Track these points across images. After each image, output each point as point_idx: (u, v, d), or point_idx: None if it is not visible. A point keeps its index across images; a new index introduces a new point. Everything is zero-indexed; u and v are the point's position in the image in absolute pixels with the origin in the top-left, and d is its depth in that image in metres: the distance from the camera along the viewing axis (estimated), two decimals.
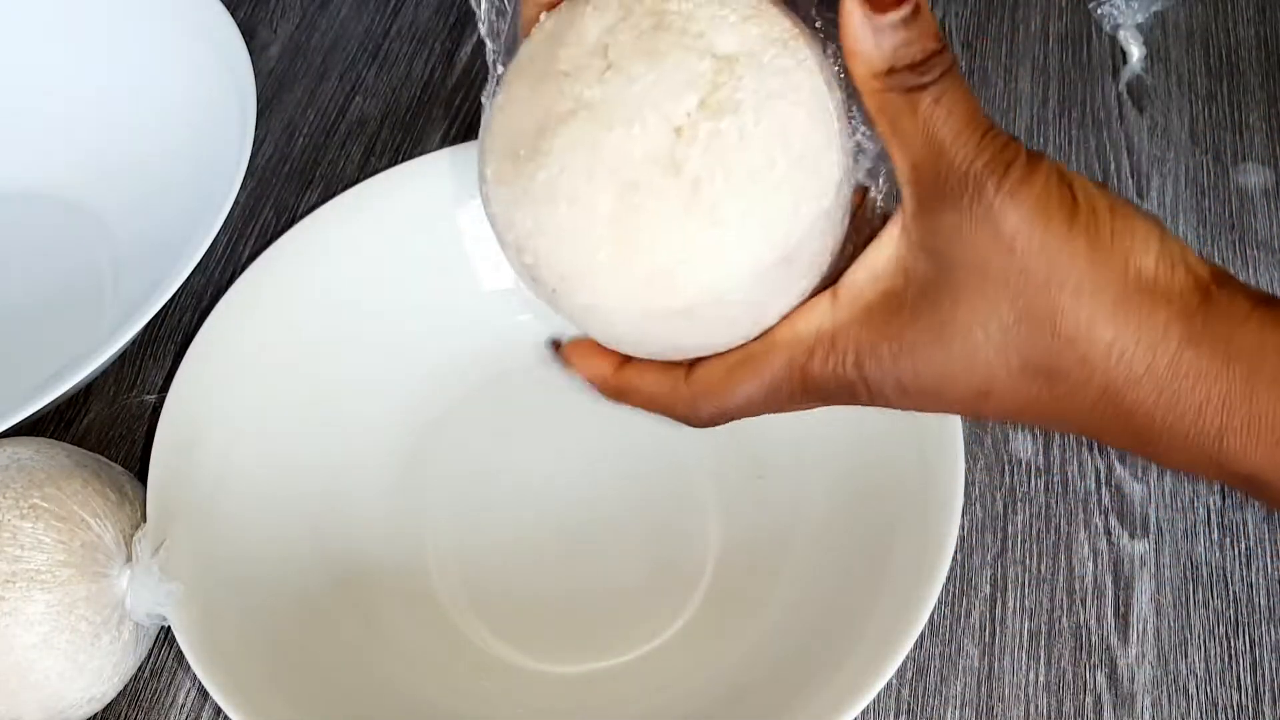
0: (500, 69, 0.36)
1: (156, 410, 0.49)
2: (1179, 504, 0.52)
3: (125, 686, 0.48)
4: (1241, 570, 0.50)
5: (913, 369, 0.33)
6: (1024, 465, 0.53)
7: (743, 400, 0.35)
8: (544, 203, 0.32)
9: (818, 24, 0.34)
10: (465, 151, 0.55)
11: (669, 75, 0.31)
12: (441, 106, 0.66)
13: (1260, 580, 0.50)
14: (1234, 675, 0.48)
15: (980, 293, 0.31)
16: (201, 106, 0.58)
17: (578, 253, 0.32)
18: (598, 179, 0.31)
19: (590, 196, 0.32)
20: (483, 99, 0.36)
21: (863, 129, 0.34)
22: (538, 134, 0.32)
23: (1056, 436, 0.53)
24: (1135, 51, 0.66)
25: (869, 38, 0.30)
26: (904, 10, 0.30)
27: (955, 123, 0.30)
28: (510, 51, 0.36)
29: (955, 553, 0.43)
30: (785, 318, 0.34)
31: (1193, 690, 0.47)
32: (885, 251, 0.33)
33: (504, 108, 0.34)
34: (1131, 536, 0.51)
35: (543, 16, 0.35)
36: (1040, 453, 0.53)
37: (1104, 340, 0.31)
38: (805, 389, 0.34)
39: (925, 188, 0.31)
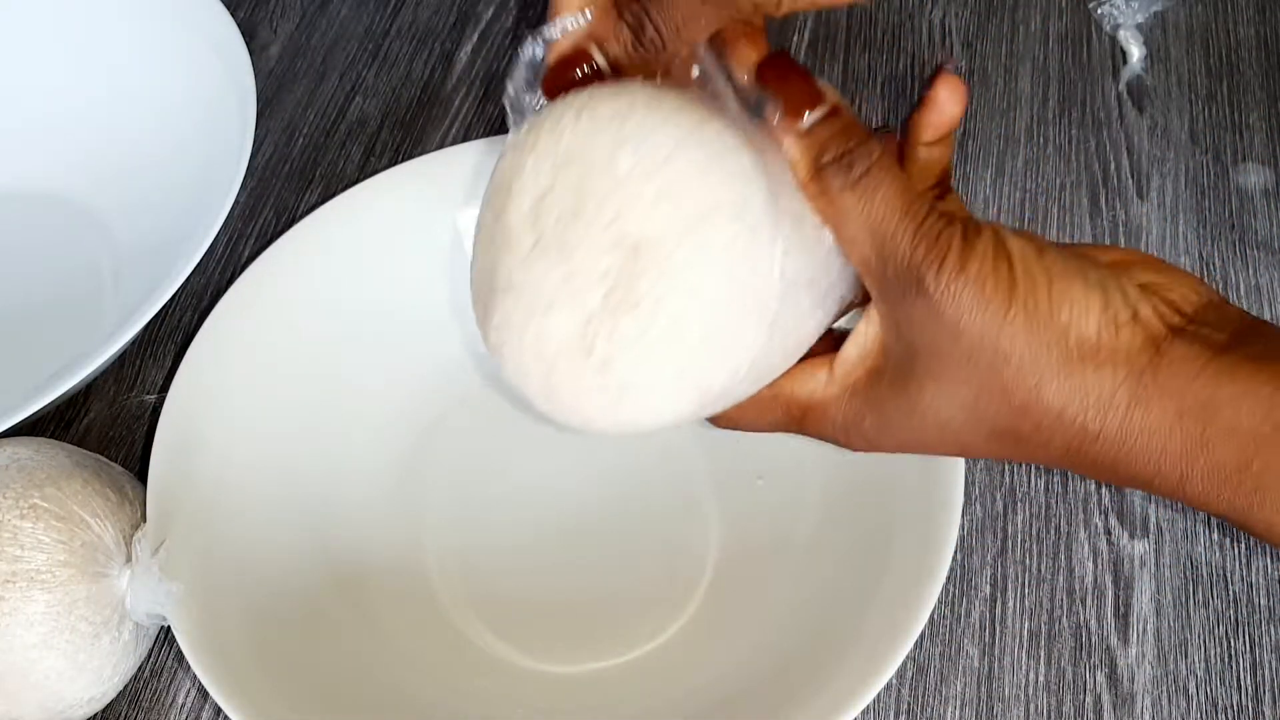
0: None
1: (156, 410, 0.49)
2: (1179, 504, 0.52)
3: (125, 686, 0.48)
4: (1241, 570, 0.50)
5: (893, 438, 0.35)
6: (1024, 465, 0.53)
7: (749, 426, 0.38)
8: (494, 354, 0.36)
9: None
10: (465, 152, 0.55)
11: (580, 268, 0.34)
12: (441, 106, 0.66)
13: (1260, 580, 0.50)
14: (1234, 675, 0.48)
15: (940, 376, 0.33)
16: (201, 106, 0.58)
17: (527, 396, 0.36)
18: (525, 358, 0.35)
19: (521, 372, 0.36)
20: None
21: None
22: (487, 296, 0.36)
23: None
24: (1135, 51, 0.66)
25: (793, 145, 0.33)
26: (819, 111, 0.33)
27: (892, 217, 0.32)
28: None
29: (955, 553, 0.43)
30: (788, 372, 0.36)
31: (1193, 690, 0.47)
32: (872, 329, 0.35)
33: (477, 237, 0.37)
34: (1131, 536, 0.51)
35: (514, 134, 0.36)
36: None
37: (1053, 409, 0.32)
38: (803, 433, 0.37)
39: (877, 281, 0.33)
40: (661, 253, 0.33)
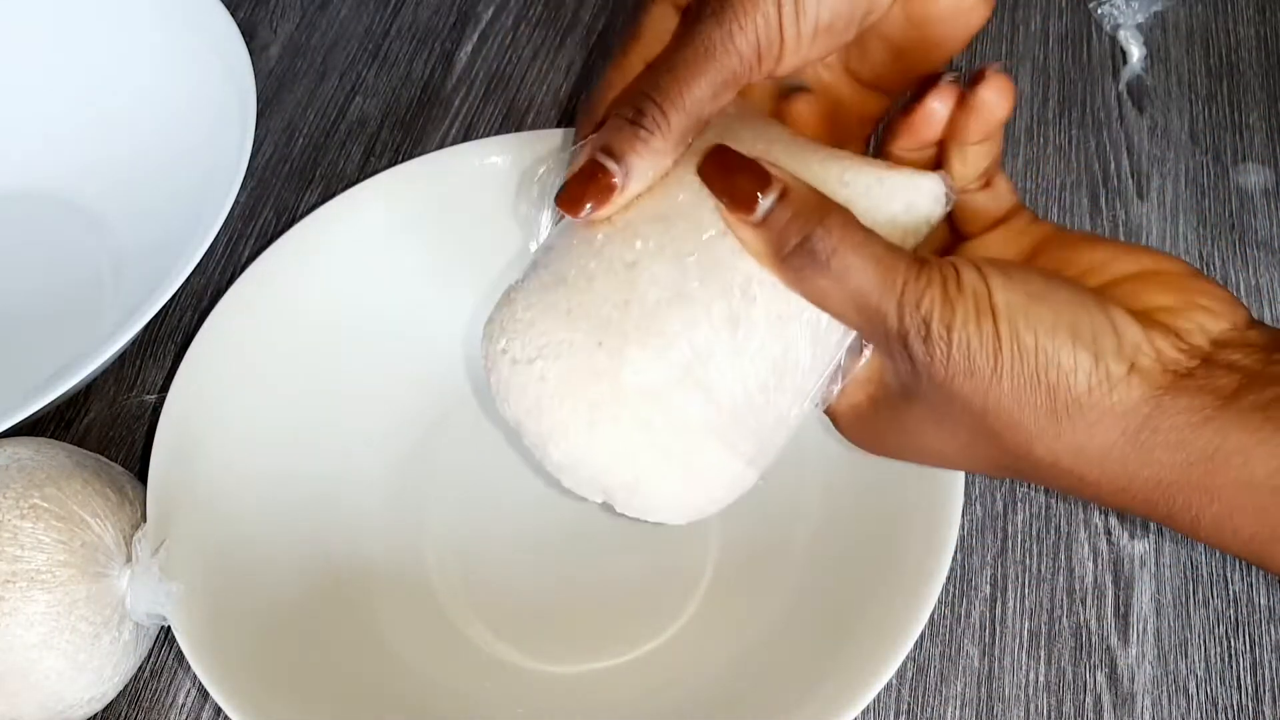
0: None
1: (156, 410, 0.49)
2: None
3: (125, 686, 0.48)
4: (1241, 570, 0.50)
5: (896, 455, 0.36)
6: None
7: None
8: None
9: None
10: (465, 151, 0.55)
11: (578, 482, 0.37)
12: (441, 106, 0.66)
13: (1260, 580, 0.50)
14: (1234, 675, 0.48)
15: (937, 422, 0.33)
16: (201, 107, 0.58)
17: None
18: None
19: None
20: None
21: None
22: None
23: None
24: (1135, 51, 0.66)
25: (751, 238, 0.33)
26: (769, 198, 0.32)
27: (872, 292, 0.32)
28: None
29: (955, 553, 0.43)
30: None
31: (1193, 690, 0.47)
32: (875, 358, 0.35)
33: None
34: (1131, 536, 0.51)
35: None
36: None
37: (1047, 461, 0.32)
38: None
39: (871, 341, 0.34)
40: (616, 478, 0.35)
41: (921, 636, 0.42)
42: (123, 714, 0.49)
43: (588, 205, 0.34)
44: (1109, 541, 0.51)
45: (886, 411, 0.35)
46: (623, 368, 0.33)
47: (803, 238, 0.32)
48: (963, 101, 0.34)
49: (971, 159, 0.35)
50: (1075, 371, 0.31)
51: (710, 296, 0.33)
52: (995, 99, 0.34)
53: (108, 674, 0.45)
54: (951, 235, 0.38)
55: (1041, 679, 0.48)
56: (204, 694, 0.49)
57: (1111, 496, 0.32)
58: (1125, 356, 0.31)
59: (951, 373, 0.31)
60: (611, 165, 0.34)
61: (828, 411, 0.37)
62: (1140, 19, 0.67)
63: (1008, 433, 0.32)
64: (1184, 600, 0.49)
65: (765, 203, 0.32)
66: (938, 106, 0.35)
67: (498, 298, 0.37)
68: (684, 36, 0.34)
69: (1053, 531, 0.51)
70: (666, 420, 0.34)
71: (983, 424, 0.32)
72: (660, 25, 0.36)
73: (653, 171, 0.34)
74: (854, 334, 0.35)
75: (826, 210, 0.32)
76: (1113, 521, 0.51)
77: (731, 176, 0.33)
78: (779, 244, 0.32)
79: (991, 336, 0.31)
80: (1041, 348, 0.31)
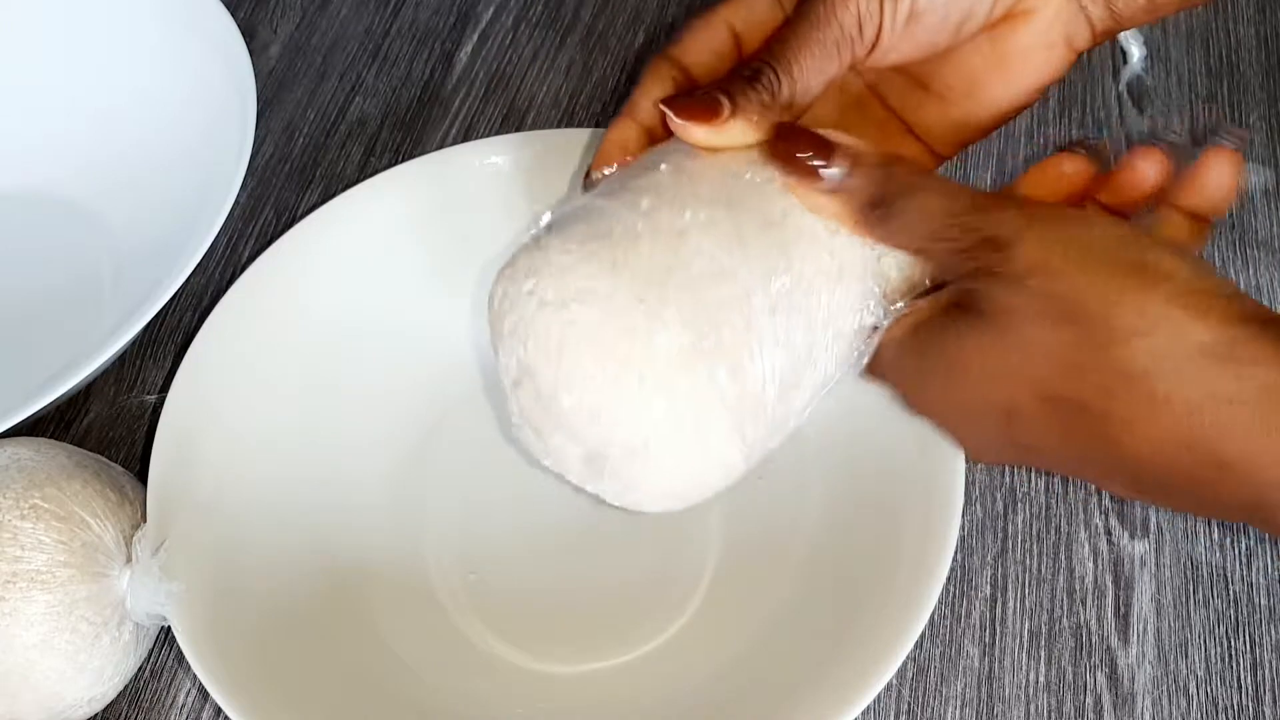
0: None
1: (156, 410, 0.49)
2: None
3: (125, 686, 0.48)
4: (1241, 570, 0.50)
5: (936, 400, 0.37)
6: (1024, 465, 0.53)
7: None
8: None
9: None
10: (465, 151, 0.55)
11: (555, 451, 0.38)
12: (441, 106, 0.66)
13: (1260, 580, 0.50)
14: (1234, 675, 0.48)
15: (995, 340, 0.34)
16: (201, 107, 0.58)
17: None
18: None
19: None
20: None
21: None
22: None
23: None
24: (1135, 51, 0.66)
25: (826, 205, 0.35)
26: (840, 167, 0.34)
27: (935, 211, 0.33)
28: None
29: (955, 553, 0.43)
30: None
31: (1193, 690, 0.47)
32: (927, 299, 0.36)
33: None
34: (1131, 536, 0.51)
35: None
36: None
37: (1121, 364, 0.31)
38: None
39: (943, 268, 0.35)
40: (613, 451, 0.35)
41: (921, 636, 0.42)
42: (123, 714, 0.49)
43: (689, 120, 0.36)
44: (1109, 541, 0.51)
45: (935, 342, 0.35)
46: (662, 329, 0.33)
47: (875, 193, 0.34)
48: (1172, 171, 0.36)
49: (1172, 228, 0.37)
50: (1174, 277, 0.31)
51: (755, 280, 0.34)
52: (1217, 180, 0.36)
53: (108, 674, 0.45)
54: None
55: (1041, 679, 0.48)
56: (204, 694, 0.49)
57: (1176, 425, 0.31)
58: (1227, 284, 0.32)
59: (1024, 272, 0.32)
60: (723, 99, 0.36)
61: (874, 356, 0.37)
62: None
63: (1083, 329, 0.31)
64: (1184, 600, 0.49)
65: (835, 172, 0.34)
66: (1145, 168, 0.37)
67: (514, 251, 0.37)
68: (796, 13, 0.37)
69: (1053, 531, 0.51)
70: (691, 391, 0.34)
71: (1053, 328, 0.32)
72: None
73: (753, 120, 0.36)
74: (865, 354, 0.36)
75: (890, 161, 0.34)
76: (1113, 521, 0.51)
77: (800, 151, 0.35)
78: (853, 206, 0.34)
79: (1077, 243, 0.32)
80: (1140, 254, 0.31)
